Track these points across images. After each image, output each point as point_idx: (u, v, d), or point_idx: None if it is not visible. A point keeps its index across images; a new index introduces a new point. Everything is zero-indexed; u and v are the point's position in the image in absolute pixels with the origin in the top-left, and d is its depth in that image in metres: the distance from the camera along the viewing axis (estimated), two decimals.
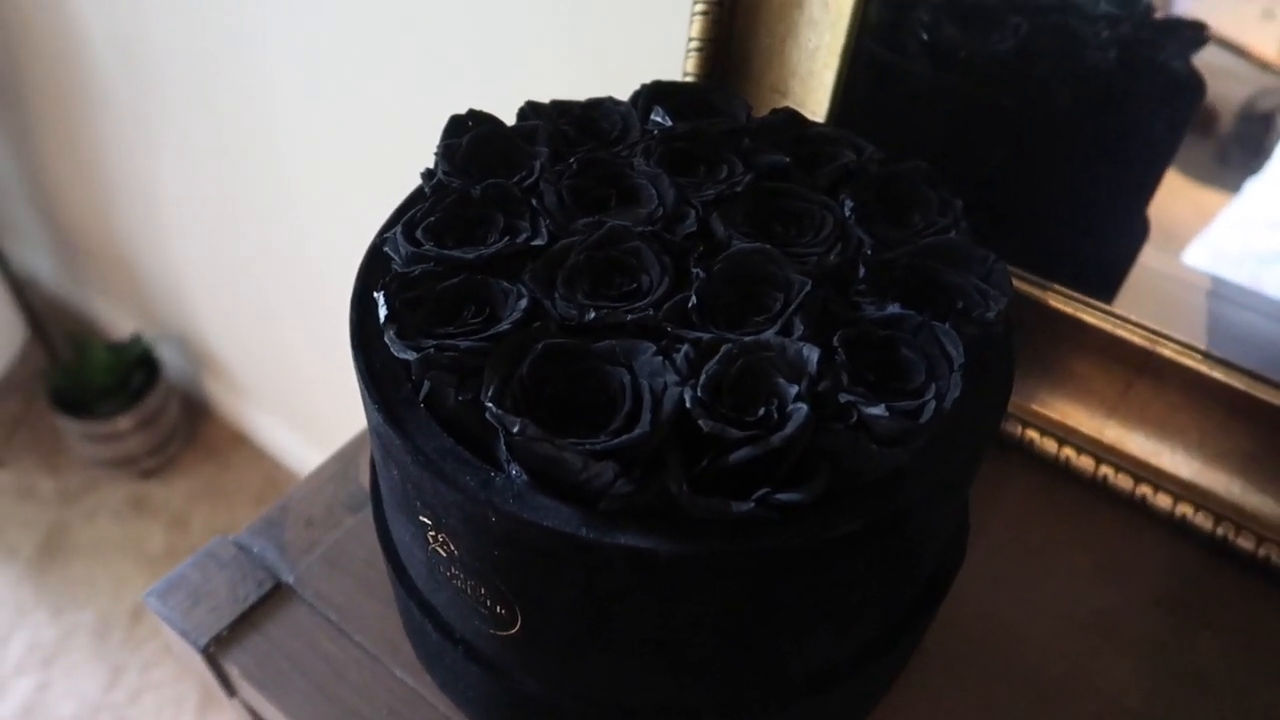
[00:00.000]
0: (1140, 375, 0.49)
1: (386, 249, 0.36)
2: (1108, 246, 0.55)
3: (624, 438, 0.29)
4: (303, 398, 1.61)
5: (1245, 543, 0.47)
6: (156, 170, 1.44)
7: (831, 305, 0.35)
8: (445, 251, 0.35)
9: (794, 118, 0.44)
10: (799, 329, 0.33)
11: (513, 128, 0.41)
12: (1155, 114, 0.52)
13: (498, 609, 0.34)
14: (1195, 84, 0.50)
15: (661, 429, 0.30)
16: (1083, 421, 0.51)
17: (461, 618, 0.37)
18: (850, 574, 0.33)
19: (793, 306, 0.33)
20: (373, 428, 0.34)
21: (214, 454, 1.81)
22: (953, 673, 0.45)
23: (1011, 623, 0.47)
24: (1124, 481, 0.50)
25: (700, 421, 0.29)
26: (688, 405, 0.30)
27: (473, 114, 0.41)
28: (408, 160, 0.98)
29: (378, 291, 0.34)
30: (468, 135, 0.40)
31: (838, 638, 0.36)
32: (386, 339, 0.33)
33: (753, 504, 0.29)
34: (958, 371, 0.32)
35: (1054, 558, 0.50)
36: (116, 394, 1.68)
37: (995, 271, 0.36)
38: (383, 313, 0.33)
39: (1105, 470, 0.50)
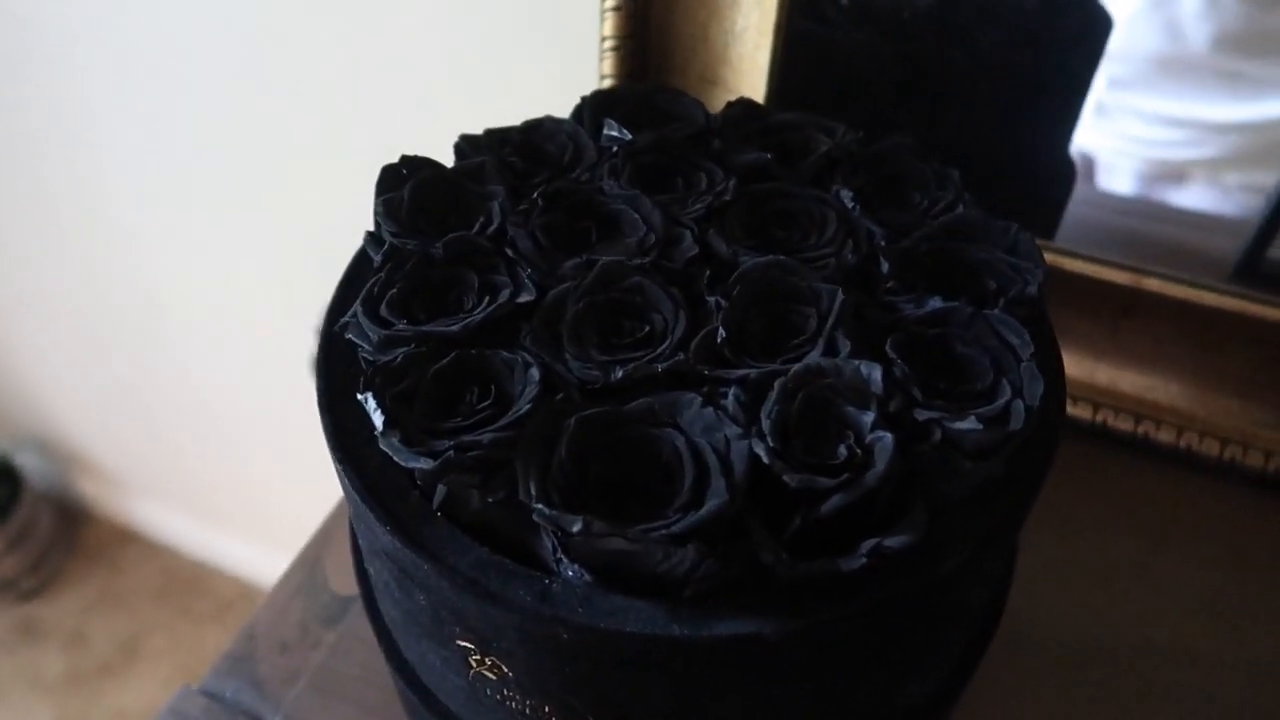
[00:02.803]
0: (1126, 314, 0.48)
1: (350, 335, 0.31)
2: (1049, 188, 0.55)
3: (702, 513, 0.25)
4: (190, 479, 1.49)
5: (1254, 461, 0.47)
6: None
7: (865, 310, 0.31)
8: (423, 328, 0.30)
9: (752, 108, 0.40)
10: (845, 345, 0.29)
11: (455, 169, 0.36)
12: (1073, 51, 0.51)
13: None
14: (1105, 19, 0.49)
15: (740, 494, 0.26)
16: (1072, 368, 0.50)
17: None
18: (954, 604, 0.30)
19: (831, 321, 0.30)
20: (381, 551, 0.29)
21: (101, 558, 1.65)
22: (1005, 653, 0.43)
23: (1046, 587, 0.46)
24: (1125, 423, 0.49)
25: (785, 477, 0.25)
26: (765, 460, 0.26)
27: (406, 160, 0.36)
28: (271, 213, 0.90)
29: (364, 393, 0.28)
30: (407, 185, 0.35)
31: (940, 669, 0.33)
32: (386, 447, 0.27)
33: (865, 558, 0.25)
34: (1030, 361, 0.29)
35: (1072, 512, 0.48)
36: None
37: (1021, 241, 0.33)
38: (377, 419, 0.27)
39: (1104, 415, 0.49)
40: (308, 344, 0.96)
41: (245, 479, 1.40)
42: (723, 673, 0.27)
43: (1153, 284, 0.46)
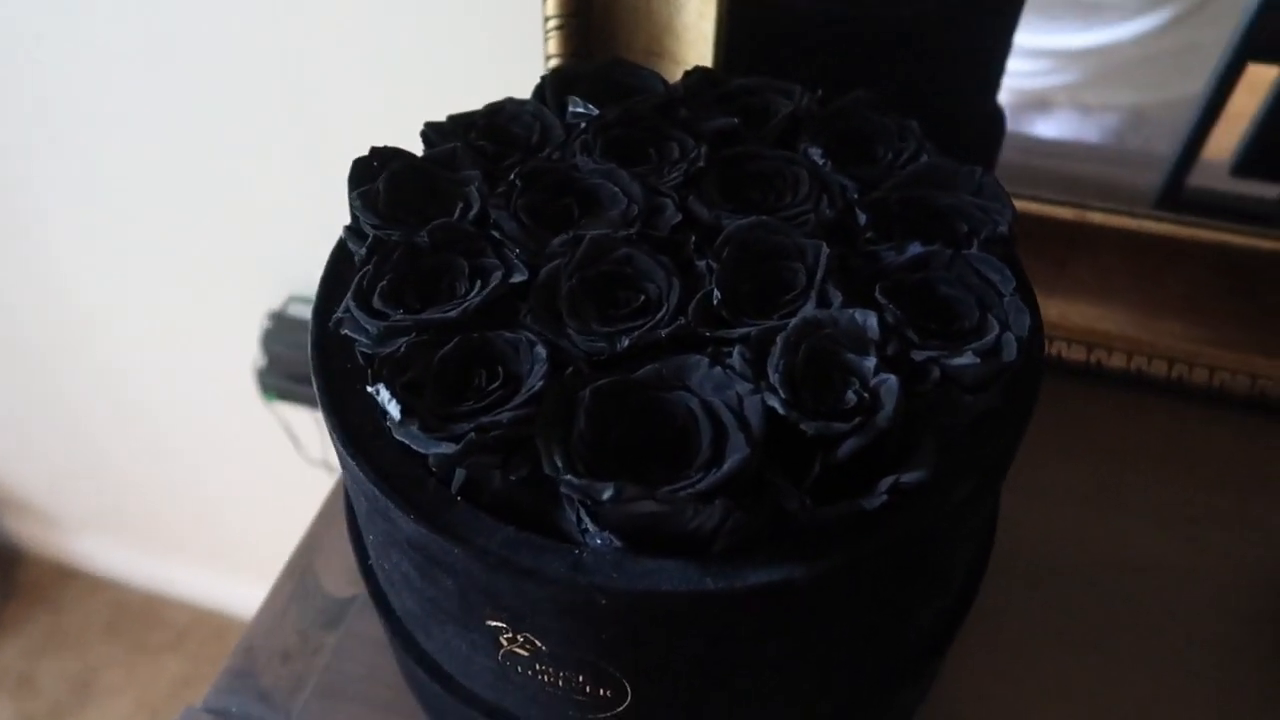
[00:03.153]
0: (1072, 249, 0.50)
1: (346, 330, 0.31)
2: (983, 134, 0.56)
3: (725, 468, 0.26)
4: (131, 508, 1.44)
5: (1200, 377, 0.50)
6: None
7: (849, 262, 0.32)
8: (422, 316, 0.30)
9: (709, 77, 0.41)
10: (836, 297, 0.30)
11: (427, 157, 0.36)
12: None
13: (601, 692, 0.30)
14: None
15: (760, 447, 0.26)
16: None
17: (547, 713, 0.33)
18: (961, 532, 0.31)
19: (820, 274, 0.31)
20: (402, 541, 0.29)
21: (41, 599, 1.59)
22: (990, 580, 0.45)
23: (1021, 516, 0.48)
24: (1077, 353, 0.51)
25: (802, 425, 0.26)
26: (780, 411, 0.27)
27: (376, 152, 0.36)
28: (204, 223, 0.88)
29: (374, 385, 0.28)
30: (381, 177, 0.34)
31: (946, 596, 0.34)
32: (405, 437, 0.27)
33: (885, 495, 0.26)
34: (1014, 296, 0.30)
35: (1037, 443, 0.50)
36: None
37: (986, 184, 0.35)
38: (393, 408, 0.27)
39: (1058, 347, 0.51)
40: (251, 356, 0.93)
41: (190, 502, 1.37)
42: (755, 621, 0.27)
43: (1096, 217, 0.48)
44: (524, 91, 0.40)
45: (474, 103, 0.39)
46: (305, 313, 0.87)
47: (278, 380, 0.92)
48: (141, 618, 1.55)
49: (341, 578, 0.46)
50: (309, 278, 0.88)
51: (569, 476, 0.26)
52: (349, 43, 0.65)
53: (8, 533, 1.62)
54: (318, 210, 0.80)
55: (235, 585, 1.51)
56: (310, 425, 1.01)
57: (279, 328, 0.88)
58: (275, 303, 0.90)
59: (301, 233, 0.84)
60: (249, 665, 0.43)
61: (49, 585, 1.61)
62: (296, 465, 1.06)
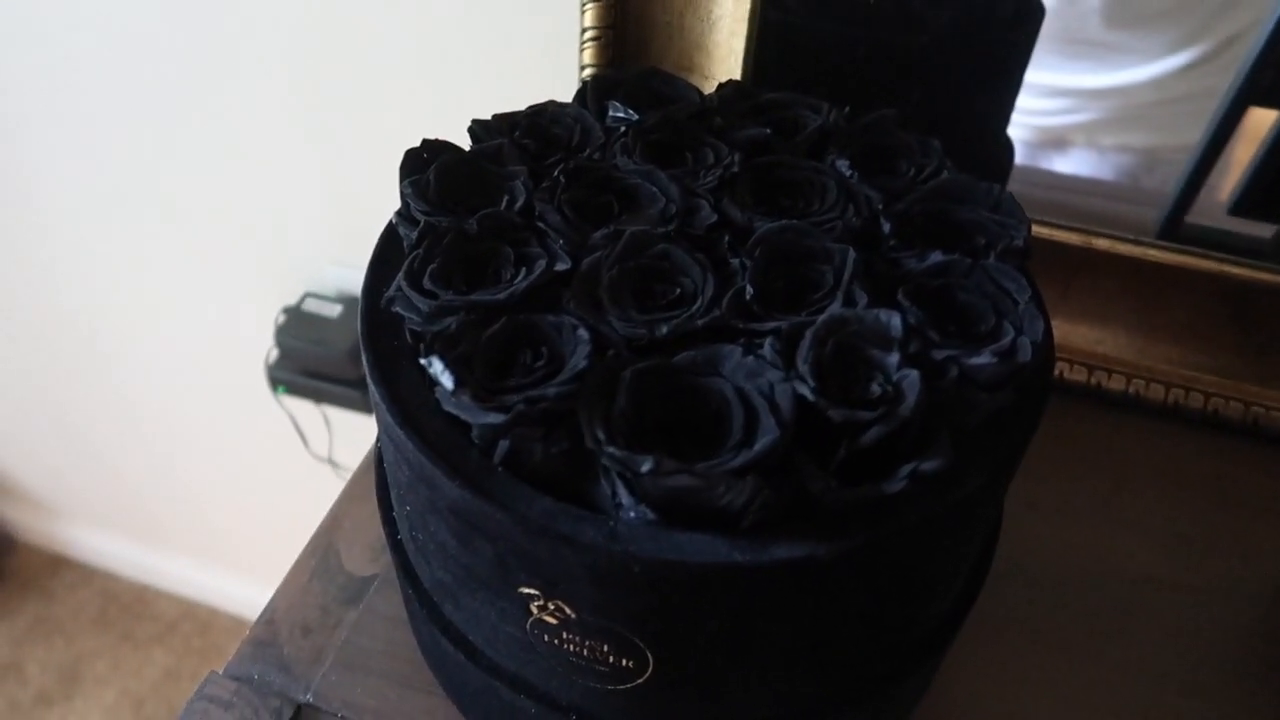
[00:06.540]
0: (1077, 273, 0.52)
1: (398, 308, 0.32)
2: (993, 162, 0.59)
3: (757, 448, 0.28)
4: (125, 499, 1.45)
5: (1195, 402, 0.52)
6: None
7: (874, 266, 0.34)
8: (472, 297, 0.32)
9: (742, 90, 0.43)
10: (862, 297, 0.32)
11: (475, 151, 0.38)
12: (1009, 33, 0.56)
13: (623, 662, 0.32)
14: (1038, 5, 0.53)
15: (790, 430, 0.28)
16: None
17: (568, 684, 0.34)
18: (972, 524, 0.33)
19: (846, 276, 0.33)
20: (444, 509, 0.31)
21: (32, 587, 1.59)
22: (989, 586, 0.47)
23: (1020, 527, 0.49)
24: (1079, 375, 0.53)
25: (830, 412, 0.28)
26: (810, 399, 0.28)
27: (428, 144, 0.37)
28: (204, 222, 0.89)
29: (427, 357, 0.30)
30: (431, 168, 0.36)
31: (952, 591, 0.36)
32: (455, 407, 0.29)
33: (905, 481, 0.28)
34: (1029, 303, 0.32)
35: (1037, 459, 0.52)
36: None
37: (1004, 201, 0.37)
38: (446, 379, 0.29)
39: (1060, 368, 0.53)
40: (264, 350, 0.95)
41: (187, 495, 1.38)
42: (776, 595, 0.29)
43: (1101, 244, 0.50)
44: (556, 98, 0.42)
45: (506, 108, 0.41)
46: (321, 309, 0.89)
47: (289, 374, 0.93)
48: (131, 609, 1.56)
49: (362, 557, 0.47)
50: (325, 275, 0.90)
51: (610, 449, 0.27)
52: (380, 47, 0.67)
53: (3, 520, 1.63)
54: (338, 209, 0.82)
55: (224, 580, 1.51)
56: (317, 421, 1.02)
57: (294, 322, 0.90)
58: (291, 298, 0.91)
59: (320, 230, 0.86)
60: (271, 635, 0.44)
61: (40, 573, 1.61)
62: (301, 460, 1.07)
